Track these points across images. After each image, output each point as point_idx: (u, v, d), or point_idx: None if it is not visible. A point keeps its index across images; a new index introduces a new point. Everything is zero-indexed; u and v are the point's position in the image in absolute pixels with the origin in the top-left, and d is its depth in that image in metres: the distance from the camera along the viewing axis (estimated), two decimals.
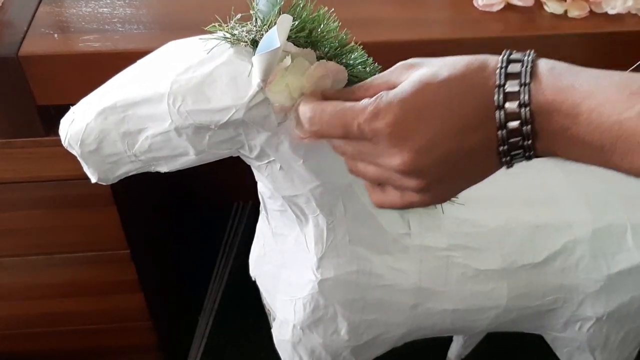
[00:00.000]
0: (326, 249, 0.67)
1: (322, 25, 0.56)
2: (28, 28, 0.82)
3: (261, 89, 0.53)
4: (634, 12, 0.84)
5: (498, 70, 0.44)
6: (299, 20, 0.54)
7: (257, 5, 0.54)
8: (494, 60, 0.45)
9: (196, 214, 1.60)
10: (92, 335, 1.15)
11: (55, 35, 0.82)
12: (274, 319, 0.78)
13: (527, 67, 0.43)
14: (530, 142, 0.43)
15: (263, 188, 0.67)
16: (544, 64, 0.43)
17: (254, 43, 0.54)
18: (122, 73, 0.58)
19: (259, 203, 0.72)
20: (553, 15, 0.85)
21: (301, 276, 0.70)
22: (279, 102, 0.53)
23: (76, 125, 0.56)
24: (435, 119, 0.44)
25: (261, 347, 1.33)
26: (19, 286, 1.05)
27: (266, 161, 0.59)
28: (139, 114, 0.55)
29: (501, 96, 0.43)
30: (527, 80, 0.42)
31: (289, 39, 0.53)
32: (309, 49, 0.55)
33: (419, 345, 0.87)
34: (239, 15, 0.55)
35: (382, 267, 0.70)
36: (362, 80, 0.56)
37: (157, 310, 1.14)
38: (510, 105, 0.43)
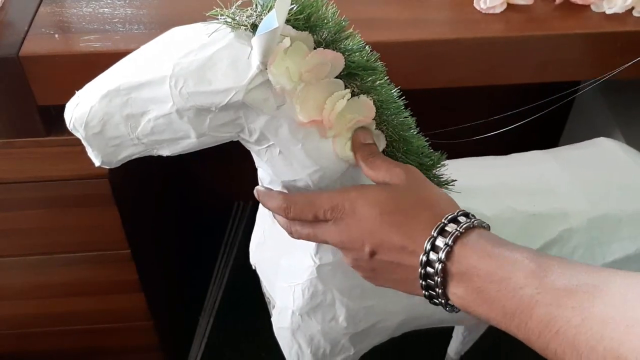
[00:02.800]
0: None
1: (320, 10, 0.56)
2: (28, 28, 0.83)
3: (261, 71, 0.53)
4: (636, 14, 0.84)
5: (438, 223, 0.52)
6: (298, 5, 0.55)
7: None
8: (445, 209, 0.54)
9: (196, 213, 1.60)
10: (93, 335, 1.15)
11: (56, 35, 0.82)
12: (273, 307, 0.78)
13: (458, 229, 0.51)
14: (440, 290, 0.52)
15: (263, 174, 0.67)
16: (475, 234, 0.51)
17: (254, 27, 0.54)
18: (126, 58, 0.58)
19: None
20: (553, 15, 0.85)
21: (300, 262, 0.71)
22: (279, 83, 0.54)
23: (81, 108, 0.57)
24: (364, 226, 0.55)
25: (261, 347, 1.33)
26: (19, 286, 1.05)
27: (266, 145, 0.59)
28: (142, 96, 0.55)
29: (428, 246, 0.51)
30: (451, 243, 0.50)
31: (287, 22, 0.54)
32: (306, 33, 0.56)
33: (418, 342, 0.87)
34: (240, 1, 0.56)
35: None
36: (359, 67, 0.58)
37: (157, 310, 1.14)
38: (432, 256, 0.51)
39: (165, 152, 0.59)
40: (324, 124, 0.58)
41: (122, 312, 1.11)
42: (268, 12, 0.53)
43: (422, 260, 0.52)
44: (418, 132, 0.66)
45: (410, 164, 0.66)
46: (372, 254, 0.55)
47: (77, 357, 1.20)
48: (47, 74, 0.80)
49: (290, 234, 0.62)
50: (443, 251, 0.50)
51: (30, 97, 0.82)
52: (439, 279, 0.51)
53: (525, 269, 0.47)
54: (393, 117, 0.63)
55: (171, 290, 1.35)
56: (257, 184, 0.68)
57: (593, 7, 0.85)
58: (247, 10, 0.55)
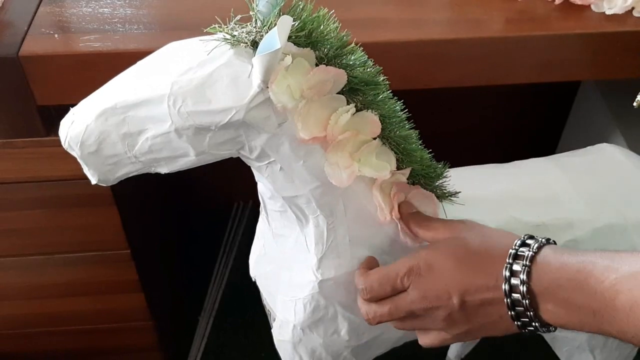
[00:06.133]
0: (326, 250, 0.67)
1: (322, 26, 0.56)
2: (28, 28, 0.82)
3: (262, 90, 0.53)
4: (636, 15, 0.84)
5: (510, 251, 0.54)
6: (299, 21, 0.54)
7: (257, 6, 0.54)
8: (511, 239, 0.56)
9: (196, 214, 1.60)
10: (92, 335, 1.15)
11: (56, 35, 0.82)
12: (274, 320, 0.78)
13: (531, 250, 0.53)
14: (532, 313, 0.53)
15: (263, 189, 0.67)
16: (546, 249, 0.54)
17: (254, 44, 0.54)
18: (123, 74, 0.58)
19: (259, 203, 0.72)
20: (553, 15, 0.85)
21: (301, 277, 0.70)
22: (281, 102, 0.53)
23: (76, 127, 0.56)
24: (446, 277, 0.57)
25: (261, 347, 1.33)
26: (19, 286, 1.05)
27: (266, 162, 0.59)
28: (139, 115, 0.55)
29: (507, 273, 0.53)
30: (528, 263, 0.53)
31: (289, 39, 0.54)
32: (308, 50, 0.55)
33: (419, 345, 0.87)
34: (238, 17, 0.55)
35: None
36: (362, 82, 0.57)
37: (157, 310, 1.14)
38: (514, 281, 0.53)
39: (164, 169, 0.59)
40: (328, 140, 0.58)
41: (122, 312, 1.11)
42: (268, 28, 0.53)
43: (505, 290, 0.54)
44: (420, 143, 0.66)
45: (414, 176, 0.66)
46: (462, 302, 0.56)
47: (77, 357, 1.20)
48: (47, 74, 0.80)
49: (370, 321, 0.63)
50: (523, 272, 0.53)
51: (30, 97, 0.82)
52: (526, 302, 0.53)
53: (600, 266, 0.50)
54: (396, 130, 0.63)
55: (171, 290, 1.35)
56: (257, 185, 0.68)
57: (593, 7, 0.85)
58: (247, 26, 0.55)
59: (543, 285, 0.52)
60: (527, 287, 0.52)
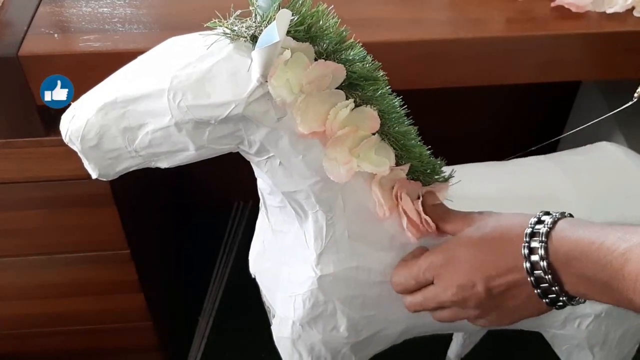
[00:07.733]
0: (325, 245, 0.67)
1: (321, 21, 0.56)
2: (28, 28, 0.82)
3: (261, 84, 0.53)
4: (636, 15, 0.84)
5: (526, 229, 0.55)
6: (298, 15, 0.54)
7: (256, 1, 0.54)
8: (526, 218, 0.56)
9: (196, 213, 1.60)
10: (92, 335, 1.15)
11: (55, 35, 0.82)
12: (273, 317, 0.78)
13: (546, 226, 0.54)
14: (557, 287, 0.53)
15: (262, 184, 0.67)
16: (562, 223, 0.54)
17: (254, 39, 0.54)
18: (123, 69, 0.58)
19: (259, 202, 0.72)
20: (553, 15, 0.85)
21: (301, 272, 0.70)
22: (280, 96, 0.54)
23: (77, 121, 0.56)
24: (466, 267, 0.58)
25: (261, 347, 1.33)
26: (19, 286, 1.05)
27: (266, 157, 0.59)
28: (139, 109, 0.55)
29: (526, 251, 0.54)
30: (544, 239, 0.53)
31: (288, 33, 0.54)
32: (307, 44, 0.55)
33: (419, 344, 0.87)
34: (238, 12, 0.55)
35: (382, 264, 0.70)
36: (361, 77, 0.57)
37: (157, 310, 1.14)
38: (534, 258, 0.54)
39: (164, 164, 0.59)
40: (327, 135, 0.58)
41: (122, 312, 1.11)
42: (268, 23, 0.53)
43: (527, 268, 0.54)
44: (419, 140, 0.66)
45: (413, 172, 0.66)
46: (487, 289, 0.57)
47: (77, 357, 1.20)
48: (47, 73, 0.80)
49: (409, 308, 0.65)
50: (540, 248, 0.53)
51: (30, 97, 0.82)
52: (549, 277, 0.53)
53: (613, 237, 0.50)
54: (395, 126, 0.63)
55: (171, 290, 1.35)
56: (257, 184, 0.68)
57: (593, 7, 0.85)
58: (246, 20, 0.55)
59: (561, 259, 0.52)
60: (547, 262, 0.53)
